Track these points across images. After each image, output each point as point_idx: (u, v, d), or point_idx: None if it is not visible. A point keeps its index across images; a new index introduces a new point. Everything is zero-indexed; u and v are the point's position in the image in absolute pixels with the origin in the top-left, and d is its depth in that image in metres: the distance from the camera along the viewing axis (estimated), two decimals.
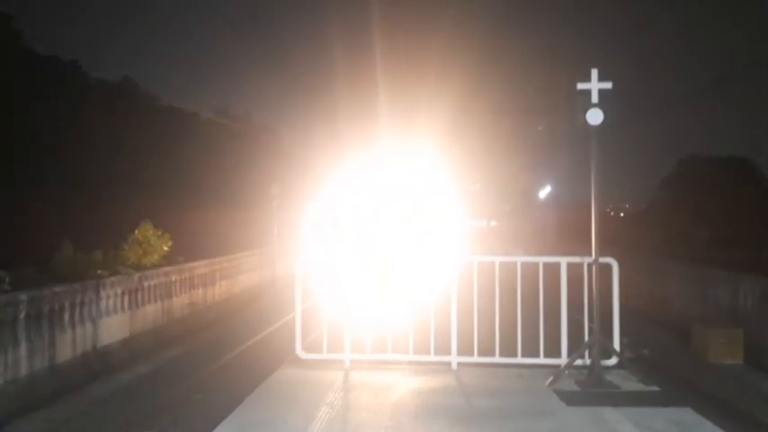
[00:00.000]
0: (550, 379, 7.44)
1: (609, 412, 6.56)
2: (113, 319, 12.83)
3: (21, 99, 18.41)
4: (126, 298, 13.34)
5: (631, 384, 7.42)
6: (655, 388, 7.42)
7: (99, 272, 13.28)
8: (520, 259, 8.53)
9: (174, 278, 15.93)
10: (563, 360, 7.83)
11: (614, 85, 7.60)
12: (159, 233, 16.71)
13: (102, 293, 12.44)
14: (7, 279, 11.09)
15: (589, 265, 7.84)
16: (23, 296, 10.14)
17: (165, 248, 16.70)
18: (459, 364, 8.08)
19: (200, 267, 17.81)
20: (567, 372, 7.52)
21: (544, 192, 43.76)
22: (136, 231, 16.48)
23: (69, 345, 11.24)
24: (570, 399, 6.89)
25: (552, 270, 8.24)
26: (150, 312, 14.50)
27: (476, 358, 8.11)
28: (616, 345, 7.90)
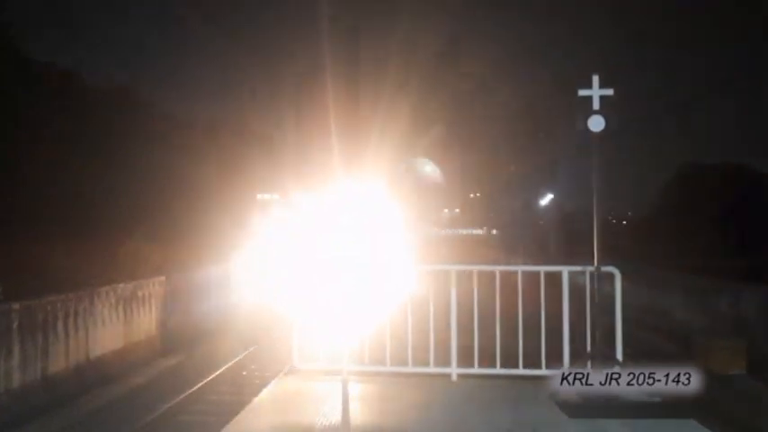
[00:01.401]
0: (552, 390, 7.31)
1: (611, 424, 6.47)
2: (107, 328, 12.69)
3: (16, 106, 18.30)
4: (120, 308, 13.21)
5: (634, 395, 7.28)
6: (657, 398, 7.29)
7: (93, 281, 13.14)
8: (521, 268, 8.40)
9: (168, 287, 15.77)
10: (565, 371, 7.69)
11: (616, 91, 7.50)
12: (152, 242, 16.55)
13: (97, 303, 12.31)
14: (0, 288, 10.98)
15: (591, 274, 7.71)
16: (17, 305, 10.03)
17: (158, 257, 16.53)
18: (459, 375, 7.94)
19: (194, 276, 17.60)
20: None
21: (545, 200, 43.70)
22: (129, 241, 16.35)
23: (63, 355, 11.11)
24: (572, 410, 6.79)
25: (552, 279, 8.13)
26: (145, 322, 14.35)
27: (476, 369, 7.98)
28: (618, 355, 7.77)
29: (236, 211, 17.78)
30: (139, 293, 14.20)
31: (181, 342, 15.36)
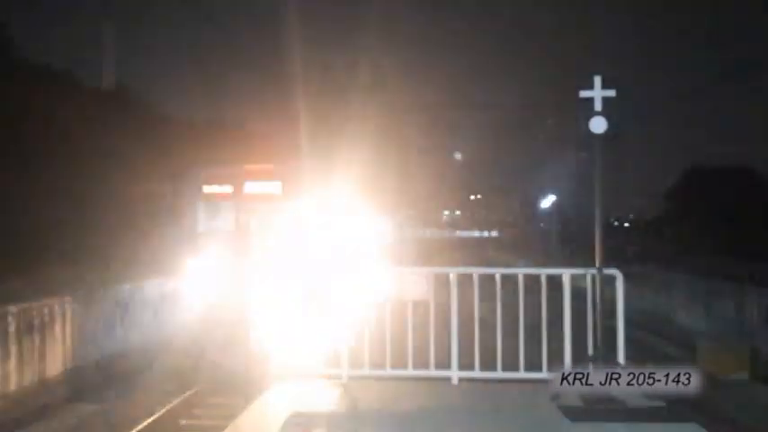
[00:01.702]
0: (554, 394, 7.23)
1: (614, 428, 6.40)
2: (105, 332, 12.59)
3: (13, 107, 18.11)
4: (118, 310, 13.08)
5: (636, 399, 7.21)
6: (660, 403, 7.23)
7: (90, 282, 13.02)
8: (522, 271, 8.33)
9: (166, 289, 15.56)
10: None
11: (618, 92, 7.43)
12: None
13: (94, 305, 12.22)
14: None
15: (593, 277, 7.64)
16: (14, 308, 9.94)
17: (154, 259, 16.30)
18: (460, 379, 7.87)
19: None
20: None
21: (547, 201, 43.56)
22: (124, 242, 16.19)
23: (60, 358, 11.02)
24: (574, 414, 6.73)
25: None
26: (144, 324, 14.23)
27: (477, 373, 7.90)
28: (620, 358, 7.70)
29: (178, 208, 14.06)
30: (137, 296, 14.03)
31: (95, 384, 11.87)
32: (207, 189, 12.64)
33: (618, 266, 8.03)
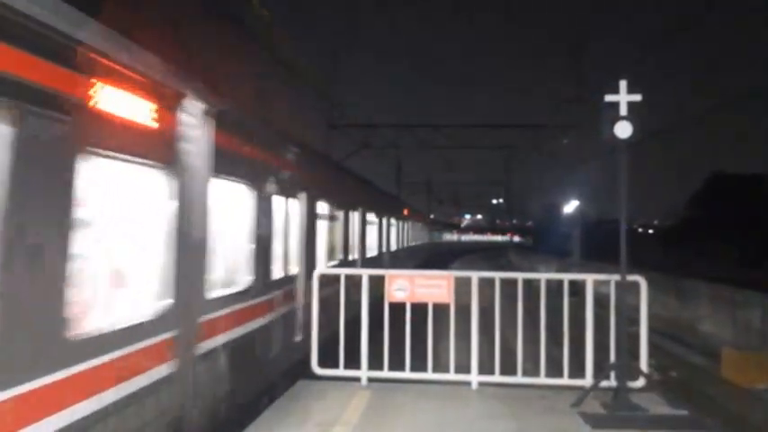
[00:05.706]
0: (575, 401, 7.18)
1: None
2: None
3: None
4: None
5: (659, 408, 7.15)
6: (683, 412, 7.17)
7: None
8: (544, 276, 8.28)
9: None
10: (588, 381, 7.57)
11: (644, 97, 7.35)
12: None
13: None
14: None
15: (616, 284, 7.57)
16: None
17: None
18: (479, 383, 7.83)
19: None
20: (592, 393, 7.25)
21: (570, 207, 43.19)
22: None
23: None
24: (596, 422, 6.66)
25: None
26: None
27: (497, 378, 7.86)
28: (644, 366, 7.62)
29: None
30: None
31: None
32: None
33: (641, 273, 7.95)
